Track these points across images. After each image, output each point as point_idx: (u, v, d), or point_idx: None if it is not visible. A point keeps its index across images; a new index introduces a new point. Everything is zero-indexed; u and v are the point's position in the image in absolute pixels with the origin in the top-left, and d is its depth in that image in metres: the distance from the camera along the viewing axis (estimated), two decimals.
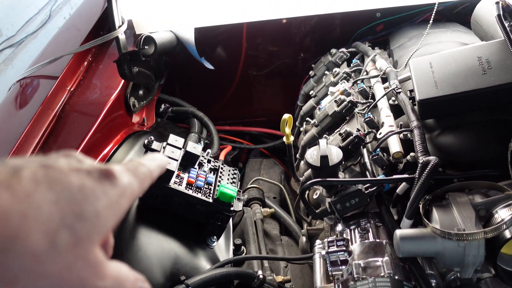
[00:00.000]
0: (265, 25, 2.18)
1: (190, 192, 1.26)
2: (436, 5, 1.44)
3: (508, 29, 1.19)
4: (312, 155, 1.17)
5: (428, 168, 1.00)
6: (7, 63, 4.30)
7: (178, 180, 1.27)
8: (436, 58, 1.24)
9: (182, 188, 1.26)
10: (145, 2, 1.60)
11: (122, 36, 1.44)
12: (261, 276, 1.22)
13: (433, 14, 1.45)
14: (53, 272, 0.34)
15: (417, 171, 1.04)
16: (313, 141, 1.55)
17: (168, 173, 1.24)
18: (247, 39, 2.25)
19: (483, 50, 1.19)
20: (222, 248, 1.33)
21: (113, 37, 1.39)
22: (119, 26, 1.42)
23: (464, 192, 1.05)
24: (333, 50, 1.82)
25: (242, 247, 1.47)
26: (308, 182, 1.13)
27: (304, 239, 1.42)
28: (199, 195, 1.27)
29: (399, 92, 1.31)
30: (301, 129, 1.82)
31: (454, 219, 0.97)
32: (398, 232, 0.98)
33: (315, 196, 1.30)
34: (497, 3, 1.19)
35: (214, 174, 1.38)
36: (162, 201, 1.27)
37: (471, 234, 0.91)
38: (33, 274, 0.33)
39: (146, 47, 1.50)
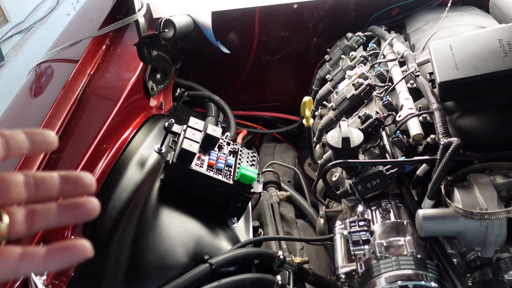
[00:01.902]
0: (278, 9, 2.18)
1: (211, 174, 1.28)
2: None
3: None
4: (334, 137, 1.18)
5: (450, 149, 1.01)
6: (16, 49, 4.30)
7: (199, 162, 1.29)
8: (456, 41, 1.24)
9: (203, 170, 1.28)
10: None
11: (141, 20, 1.45)
12: (281, 257, 1.24)
13: None
14: None
15: (439, 153, 1.05)
16: (331, 125, 1.56)
17: (189, 155, 1.25)
18: (260, 25, 2.25)
19: (504, 33, 1.19)
20: (242, 229, 1.35)
21: (132, 21, 1.41)
22: (139, 10, 1.43)
23: (485, 173, 1.06)
24: (349, 34, 1.82)
25: (260, 229, 1.49)
26: (330, 164, 1.14)
27: (322, 221, 1.44)
28: (220, 177, 1.28)
29: (418, 75, 1.32)
30: (316, 113, 1.84)
31: (476, 199, 0.99)
32: (420, 212, 1.00)
33: (334, 179, 1.31)
34: None
35: (233, 156, 1.39)
36: (184, 183, 1.29)
37: (494, 213, 0.93)
38: None
39: (165, 30, 1.51)
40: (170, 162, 1.26)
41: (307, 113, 1.31)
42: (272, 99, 2.47)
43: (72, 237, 1.14)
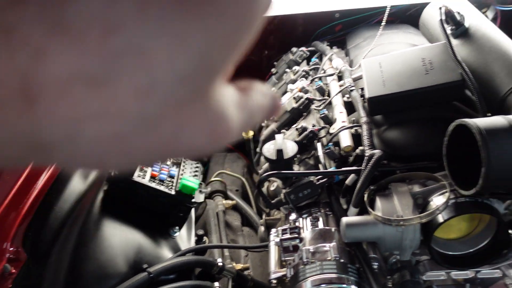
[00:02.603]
0: None
1: (153, 184, 1.32)
2: (388, 8, 1.54)
3: (448, 32, 1.30)
4: (269, 149, 1.25)
5: (372, 161, 1.09)
6: None
7: (141, 174, 1.33)
8: (385, 59, 1.34)
9: (145, 181, 1.32)
10: None
11: None
12: (220, 264, 1.29)
13: (385, 17, 1.55)
14: (150, 146, 0.25)
15: (363, 164, 1.13)
16: (273, 136, 1.63)
17: None
18: None
19: (427, 52, 1.29)
20: (184, 238, 1.40)
21: None
22: None
23: (405, 182, 1.14)
24: (294, 49, 1.90)
25: (204, 237, 1.54)
26: (264, 174, 1.21)
27: (262, 228, 1.50)
28: (161, 188, 1.33)
29: (352, 90, 1.40)
30: (263, 124, 1.90)
31: (394, 207, 1.07)
32: (344, 220, 1.07)
33: (272, 188, 1.37)
34: (440, 8, 1.29)
35: (177, 167, 1.44)
36: (126, 194, 1.33)
37: (408, 219, 1.01)
38: (123, 153, 0.24)
39: None
40: (112, 173, 1.30)
41: None
42: None
43: (12, 248, 1.15)
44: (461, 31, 1.30)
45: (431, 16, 1.45)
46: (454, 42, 1.30)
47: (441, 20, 1.27)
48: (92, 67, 0.20)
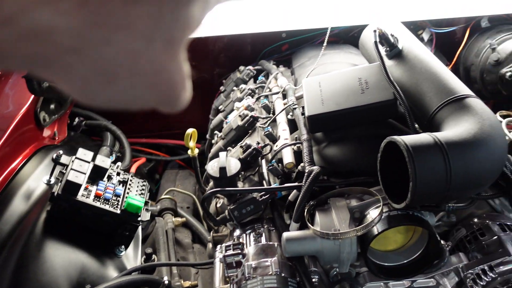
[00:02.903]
0: None
1: (97, 204, 1.31)
2: (329, 30, 1.61)
3: (383, 53, 1.37)
4: (213, 166, 1.27)
5: (310, 177, 1.14)
6: None
7: (86, 193, 1.32)
8: (324, 78, 1.40)
9: (89, 200, 1.31)
10: None
11: None
12: (166, 282, 1.29)
13: (327, 37, 1.62)
14: (147, 71, 0.33)
15: (304, 180, 1.17)
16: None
17: (75, 186, 1.29)
18: None
19: (363, 72, 1.35)
20: (131, 257, 1.39)
21: None
22: None
23: (343, 197, 1.19)
24: (241, 68, 1.94)
25: (153, 255, 1.53)
26: (208, 192, 1.23)
27: (210, 245, 1.51)
28: (106, 207, 1.32)
29: (295, 108, 1.45)
30: (213, 141, 1.93)
31: (332, 221, 1.11)
32: (284, 235, 1.10)
33: (219, 205, 1.40)
34: (375, 31, 1.36)
35: (123, 186, 1.44)
36: (69, 214, 1.31)
37: (344, 233, 1.05)
38: (129, 71, 0.32)
39: None
40: (55, 193, 1.28)
41: (191, 144, 1.39)
42: (177, 126, 2.53)
43: None
44: (395, 52, 1.38)
45: (369, 38, 1.52)
46: (389, 62, 1.37)
47: (375, 42, 1.33)
48: None
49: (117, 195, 1.39)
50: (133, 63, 0.32)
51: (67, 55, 0.29)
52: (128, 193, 1.42)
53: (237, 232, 1.27)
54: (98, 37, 0.29)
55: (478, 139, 1.02)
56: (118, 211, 1.33)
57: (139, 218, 1.35)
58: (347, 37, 2.04)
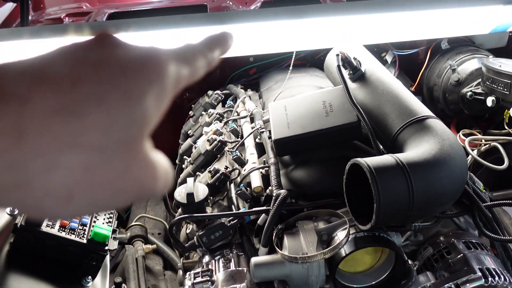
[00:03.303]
0: None
1: (63, 234, 1.28)
2: (294, 54, 1.64)
3: (346, 77, 1.40)
4: (181, 192, 1.27)
5: (278, 200, 1.14)
6: None
7: (50, 223, 1.29)
8: (290, 102, 1.41)
9: (54, 230, 1.28)
10: (21, 45, 1.61)
11: None
12: None
13: (292, 61, 1.65)
14: (108, 180, 0.30)
15: (271, 204, 1.17)
16: None
17: None
18: None
19: (327, 95, 1.38)
20: (98, 287, 1.36)
21: None
22: None
23: (311, 219, 1.20)
24: (210, 92, 1.96)
25: (123, 284, 1.50)
26: (175, 219, 1.22)
27: (180, 272, 1.49)
28: (72, 237, 1.29)
29: (262, 132, 1.46)
30: (183, 166, 1.92)
31: (300, 245, 1.11)
32: (253, 260, 1.10)
33: (188, 231, 1.38)
34: (337, 55, 1.39)
35: (89, 215, 1.41)
36: (34, 245, 1.27)
37: (311, 256, 1.05)
38: (87, 187, 0.29)
39: None
40: (19, 225, 1.25)
41: None
42: None
43: None
44: (358, 75, 1.41)
45: (333, 61, 1.55)
46: (352, 85, 1.40)
47: (338, 66, 1.36)
48: (67, 105, 0.28)
49: (84, 224, 1.36)
50: (89, 178, 0.30)
51: (11, 193, 0.28)
52: (95, 221, 1.39)
53: (206, 259, 1.26)
54: (42, 165, 0.27)
55: (438, 159, 1.05)
56: (85, 241, 1.30)
57: (106, 247, 1.32)
58: (313, 60, 2.08)
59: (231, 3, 2.15)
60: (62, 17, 2.13)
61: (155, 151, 0.35)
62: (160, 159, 0.35)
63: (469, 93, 1.82)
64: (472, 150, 1.72)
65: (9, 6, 2.04)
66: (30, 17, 1.98)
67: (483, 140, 1.77)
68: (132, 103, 0.31)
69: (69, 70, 0.29)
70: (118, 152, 0.30)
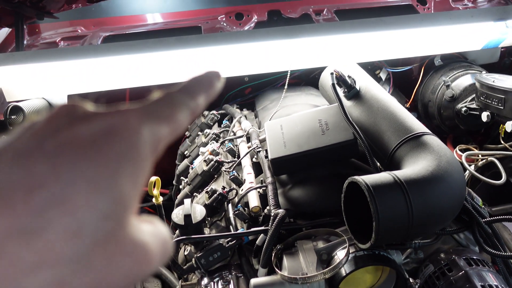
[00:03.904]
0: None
1: None
2: (289, 73, 1.65)
3: (341, 95, 1.41)
4: (178, 214, 1.25)
5: (276, 220, 1.13)
6: None
7: None
8: (286, 121, 1.42)
9: None
10: (16, 70, 1.62)
11: None
12: None
13: (287, 81, 1.66)
14: (91, 284, 0.26)
15: (270, 224, 1.16)
16: None
17: None
18: (131, 99, 2.32)
19: (323, 114, 1.38)
20: None
21: None
22: None
23: (310, 239, 1.19)
24: (205, 112, 1.96)
25: None
26: (173, 240, 1.20)
27: None
28: None
29: (259, 151, 1.46)
30: (180, 187, 1.91)
31: (299, 265, 1.10)
32: (252, 281, 1.08)
33: (186, 252, 1.37)
34: (332, 73, 1.40)
35: None
36: None
37: (311, 276, 1.04)
38: None
39: (13, 116, 1.51)
40: None
41: (155, 192, 1.37)
42: None
43: None
44: (353, 93, 1.41)
45: (327, 80, 1.56)
46: (348, 103, 1.41)
47: (332, 84, 1.37)
48: (22, 223, 0.24)
49: None
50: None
51: None
52: None
53: (205, 281, 1.24)
54: None
55: (436, 176, 1.05)
56: None
57: None
58: (308, 79, 2.09)
59: (225, 24, 2.17)
60: (57, 41, 2.14)
61: (146, 224, 0.31)
62: (152, 233, 0.31)
63: (464, 109, 1.83)
64: (469, 166, 1.72)
65: (5, 31, 2.05)
66: (25, 42, 1.99)
67: (480, 155, 1.77)
68: (102, 193, 0.26)
69: (22, 175, 0.25)
70: (96, 252, 0.26)
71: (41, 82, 1.67)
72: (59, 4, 1.73)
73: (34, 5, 1.59)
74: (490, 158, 1.74)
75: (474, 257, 1.20)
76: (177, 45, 1.55)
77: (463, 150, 1.81)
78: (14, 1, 1.48)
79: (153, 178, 1.35)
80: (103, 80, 1.72)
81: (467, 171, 1.69)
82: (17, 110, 1.53)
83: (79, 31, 2.20)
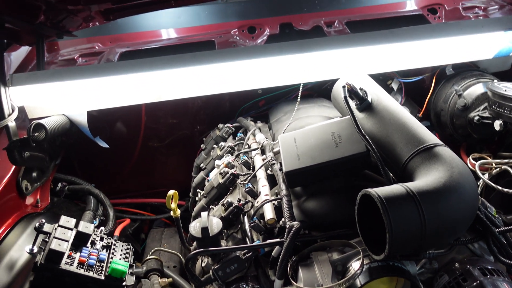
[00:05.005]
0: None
1: (81, 271, 1.31)
2: (301, 86, 1.68)
3: (353, 107, 1.43)
4: (195, 227, 1.29)
5: (291, 233, 1.16)
6: None
7: (69, 260, 1.32)
8: (299, 134, 1.44)
9: (73, 268, 1.31)
10: (38, 88, 1.67)
11: (12, 124, 1.50)
12: None
13: (300, 93, 1.69)
14: None
15: (285, 235, 1.19)
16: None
17: (58, 255, 1.28)
18: (147, 113, 2.37)
19: (336, 126, 1.41)
20: None
21: (2, 126, 1.45)
22: (9, 115, 1.48)
23: (325, 250, 1.21)
24: (220, 125, 2.00)
25: None
26: (191, 253, 1.24)
27: None
28: (90, 273, 1.32)
29: (274, 164, 1.49)
30: (196, 198, 1.94)
31: (315, 276, 1.13)
32: None
33: (203, 264, 1.40)
34: (344, 86, 1.42)
35: (106, 251, 1.43)
36: (53, 283, 1.30)
37: None
38: None
39: (36, 133, 1.56)
40: (38, 263, 1.28)
41: (173, 205, 1.41)
42: (160, 184, 2.55)
43: None
44: (365, 105, 1.44)
45: (339, 92, 1.59)
46: (360, 115, 1.43)
47: (345, 97, 1.39)
48: None
49: (101, 261, 1.38)
50: None
51: None
52: (112, 257, 1.42)
53: None
54: None
55: (448, 187, 1.07)
56: (102, 277, 1.33)
57: (124, 283, 1.35)
58: (321, 90, 2.12)
59: (238, 38, 2.21)
60: (75, 57, 2.20)
61: None
62: None
63: (476, 118, 1.84)
64: (483, 174, 1.72)
65: (25, 49, 2.12)
66: (45, 59, 2.05)
67: (493, 164, 1.77)
68: None
69: None
70: None
71: (61, 99, 1.73)
72: (78, 23, 1.78)
73: (54, 25, 1.64)
74: (504, 167, 1.74)
75: (489, 267, 1.21)
76: (192, 61, 1.59)
77: (476, 159, 1.82)
78: (35, 22, 1.53)
79: (171, 192, 1.39)
80: (120, 96, 1.77)
81: (481, 180, 1.69)
82: (39, 127, 1.58)
83: (97, 47, 2.26)
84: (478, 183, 1.72)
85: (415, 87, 2.17)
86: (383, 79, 2.11)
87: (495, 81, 1.91)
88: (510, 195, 1.63)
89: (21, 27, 1.59)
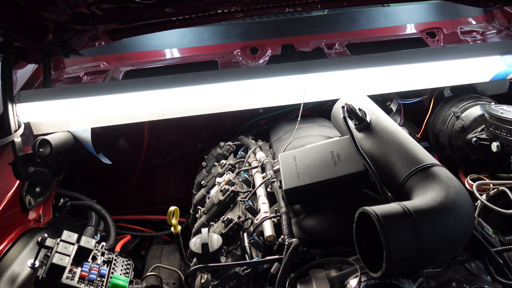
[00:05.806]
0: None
1: (82, 286, 1.33)
2: (301, 106, 1.71)
3: (352, 127, 1.46)
4: (196, 243, 1.31)
5: (290, 250, 1.18)
6: None
7: (70, 275, 1.34)
8: (299, 153, 1.47)
9: (74, 282, 1.32)
10: (44, 105, 1.71)
11: (18, 140, 1.53)
12: None
13: (300, 113, 1.72)
14: None
15: (284, 252, 1.21)
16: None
17: (60, 269, 1.30)
18: (149, 131, 2.40)
19: (335, 146, 1.43)
20: None
21: (7, 142, 1.48)
22: (15, 131, 1.51)
23: (323, 267, 1.22)
24: (222, 143, 2.03)
25: None
26: (191, 269, 1.26)
27: None
28: None
29: (274, 182, 1.51)
30: (196, 215, 1.96)
31: None
32: None
33: (203, 280, 1.41)
34: (343, 107, 1.46)
35: (107, 266, 1.45)
36: None
37: None
38: None
39: (41, 149, 1.59)
40: (40, 277, 1.30)
41: (174, 221, 1.43)
42: (161, 201, 2.57)
43: None
44: (363, 125, 1.47)
45: (339, 112, 1.62)
46: (359, 135, 1.46)
47: (344, 117, 1.42)
48: None
49: (102, 276, 1.40)
50: None
51: None
52: (112, 273, 1.43)
53: None
54: None
55: (444, 207, 1.09)
56: None
57: None
58: (321, 110, 2.16)
59: (240, 58, 2.26)
60: (81, 75, 2.24)
61: None
62: None
63: (474, 139, 1.87)
64: (481, 195, 1.74)
65: (31, 66, 2.17)
66: (51, 76, 2.10)
67: (491, 185, 1.79)
68: None
69: None
70: None
71: (66, 116, 1.76)
72: (84, 42, 1.83)
73: (62, 44, 1.69)
74: (501, 188, 1.76)
75: (485, 287, 1.22)
76: (195, 80, 1.63)
77: (474, 180, 1.84)
78: (43, 41, 1.58)
79: (172, 208, 1.41)
80: (124, 114, 1.81)
81: (479, 201, 1.71)
82: (44, 143, 1.61)
83: (102, 66, 2.31)
84: (476, 204, 1.74)
85: (414, 109, 2.21)
86: (382, 100, 2.15)
87: (492, 103, 1.94)
88: (508, 216, 1.64)
89: (29, 45, 1.64)
